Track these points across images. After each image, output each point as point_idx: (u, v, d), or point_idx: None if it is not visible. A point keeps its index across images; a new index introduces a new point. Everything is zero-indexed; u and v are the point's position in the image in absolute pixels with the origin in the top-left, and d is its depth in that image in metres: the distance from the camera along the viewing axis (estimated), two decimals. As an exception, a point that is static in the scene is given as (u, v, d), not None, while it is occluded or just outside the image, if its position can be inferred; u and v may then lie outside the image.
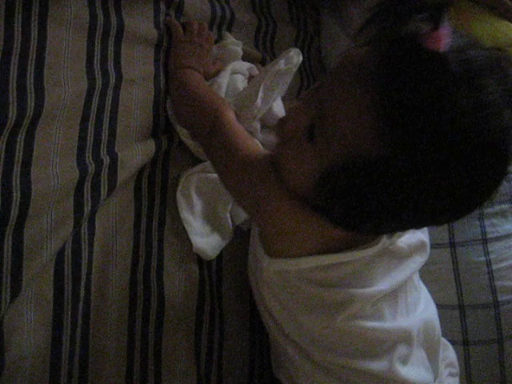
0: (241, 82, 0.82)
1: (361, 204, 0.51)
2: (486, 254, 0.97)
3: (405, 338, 0.64)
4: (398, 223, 0.54)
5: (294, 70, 0.77)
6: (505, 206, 1.00)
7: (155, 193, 0.73)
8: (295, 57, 0.77)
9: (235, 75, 0.83)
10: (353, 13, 1.08)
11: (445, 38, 0.46)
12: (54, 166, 0.61)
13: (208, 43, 0.83)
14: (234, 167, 0.65)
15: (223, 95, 0.79)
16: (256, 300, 0.72)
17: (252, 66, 0.87)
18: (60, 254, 0.62)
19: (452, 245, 0.92)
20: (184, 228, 0.74)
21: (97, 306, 0.64)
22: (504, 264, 0.96)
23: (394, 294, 0.64)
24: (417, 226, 0.58)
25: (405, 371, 0.63)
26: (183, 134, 0.76)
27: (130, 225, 0.70)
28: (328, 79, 0.53)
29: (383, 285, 0.62)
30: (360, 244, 0.60)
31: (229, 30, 0.92)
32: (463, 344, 0.94)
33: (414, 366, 0.65)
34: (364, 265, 0.60)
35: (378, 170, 0.48)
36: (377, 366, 0.62)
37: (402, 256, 0.66)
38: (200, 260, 0.75)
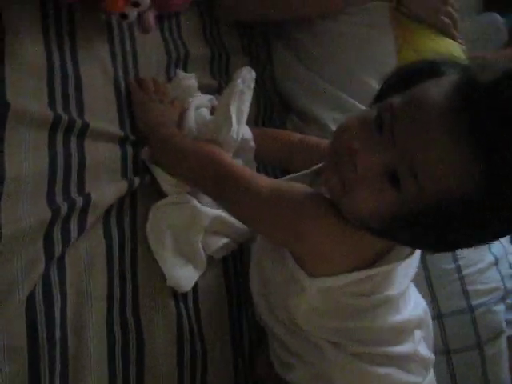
0: (208, 115, 0.83)
1: (443, 236, 0.56)
2: (455, 260, 0.99)
3: (418, 323, 0.75)
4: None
5: (252, 85, 0.78)
6: None
7: (125, 230, 0.72)
8: (248, 73, 0.78)
9: (200, 110, 0.84)
10: (301, 38, 1.11)
11: None
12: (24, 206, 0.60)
13: (166, 96, 0.84)
14: (261, 207, 0.66)
15: (195, 133, 0.79)
16: (264, 318, 0.75)
17: (212, 97, 0.88)
18: (30, 299, 0.59)
19: (422, 253, 0.93)
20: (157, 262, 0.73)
21: (75, 350, 0.62)
22: (473, 269, 0.99)
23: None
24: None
25: (422, 350, 0.74)
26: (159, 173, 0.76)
27: (103, 265, 0.68)
28: (406, 124, 0.54)
29: (403, 284, 0.70)
30: (386, 255, 0.65)
31: (184, 66, 0.93)
32: (445, 353, 0.96)
33: (423, 345, 0.76)
34: (391, 271, 0.66)
35: (469, 209, 0.52)
36: (404, 348, 0.71)
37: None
38: (175, 293, 0.74)
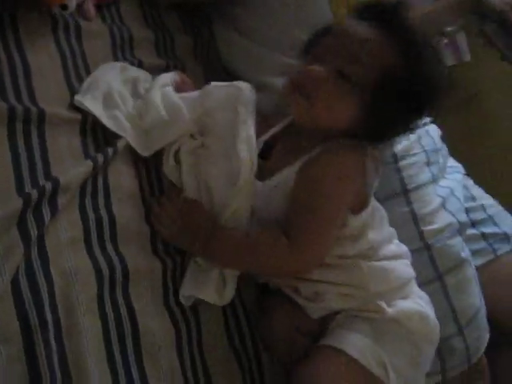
0: (173, 94, 0.85)
1: (393, 113, 0.76)
2: (409, 203, 1.05)
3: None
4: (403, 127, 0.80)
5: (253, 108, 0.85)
6: (415, 158, 1.09)
7: (99, 205, 0.74)
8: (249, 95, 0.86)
9: (165, 89, 0.86)
10: (240, 13, 1.14)
11: None
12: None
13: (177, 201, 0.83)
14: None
15: (162, 112, 0.81)
16: None
17: (173, 74, 0.91)
18: (15, 284, 0.61)
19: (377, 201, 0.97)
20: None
21: (68, 327, 0.63)
22: (424, 210, 1.05)
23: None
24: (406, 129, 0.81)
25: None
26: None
27: (81, 243, 0.70)
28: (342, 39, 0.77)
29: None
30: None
31: (131, 49, 0.95)
32: None
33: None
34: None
35: (404, 82, 0.74)
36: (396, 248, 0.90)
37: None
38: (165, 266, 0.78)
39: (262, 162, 0.82)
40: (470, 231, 1.17)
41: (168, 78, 0.89)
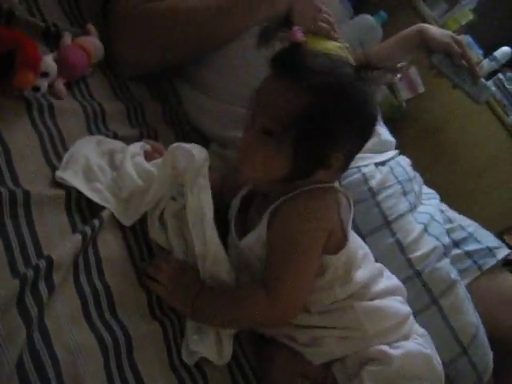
0: (143, 162, 0.88)
1: (319, 146, 0.79)
2: (393, 234, 1.07)
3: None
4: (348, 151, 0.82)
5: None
6: (391, 190, 1.12)
7: (93, 277, 0.74)
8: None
9: (136, 158, 0.89)
10: (201, 72, 1.18)
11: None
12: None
13: (172, 264, 0.84)
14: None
15: (137, 181, 0.84)
16: None
17: (143, 143, 0.94)
18: (20, 365, 0.60)
19: (362, 238, 0.99)
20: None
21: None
22: (409, 239, 1.08)
23: None
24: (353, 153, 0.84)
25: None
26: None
27: (81, 317, 0.69)
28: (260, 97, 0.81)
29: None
30: None
31: (104, 122, 0.97)
32: None
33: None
34: None
35: (322, 116, 0.76)
36: (386, 283, 0.92)
37: None
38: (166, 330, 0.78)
39: (239, 221, 0.89)
40: (454, 251, 1.20)
41: (138, 147, 0.92)
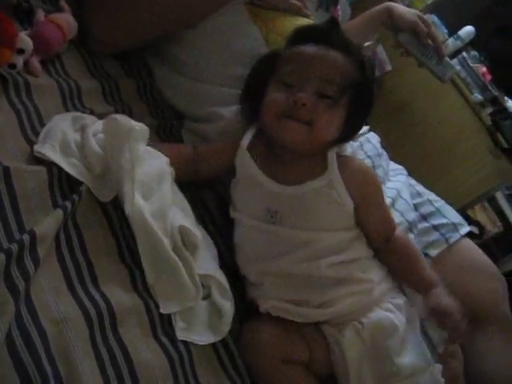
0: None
1: (362, 115, 0.95)
2: None
3: None
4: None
5: None
6: None
7: (75, 251, 0.75)
8: None
9: (98, 136, 0.88)
10: (176, 53, 1.19)
11: None
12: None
13: None
14: None
15: (104, 158, 0.84)
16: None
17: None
18: (9, 339, 0.61)
19: None
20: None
21: (68, 375, 0.64)
22: None
23: None
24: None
25: None
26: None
27: (65, 290, 0.71)
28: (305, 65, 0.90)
29: None
30: None
31: (80, 99, 0.97)
32: None
33: None
34: None
35: (364, 88, 0.91)
36: None
37: None
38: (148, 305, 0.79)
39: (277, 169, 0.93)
40: (423, 225, 1.25)
41: (99, 125, 0.90)
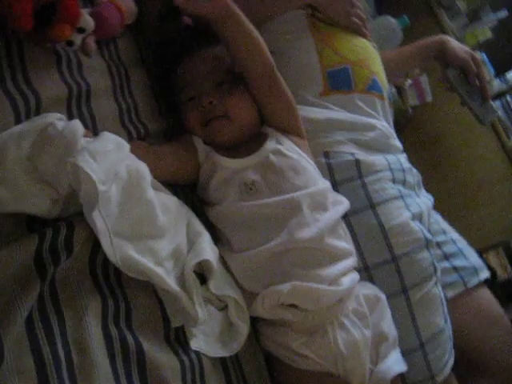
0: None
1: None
2: (377, 216, 1.05)
3: None
4: None
5: None
6: (381, 174, 1.10)
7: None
8: None
9: None
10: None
11: None
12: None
13: None
14: None
15: None
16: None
17: None
18: (29, 320, 0.61)
19: (345, 215, 0.99)
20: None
21: (79, 364, 0.63)
22: (393, 223, 1.05)
23: None
24: None
25: None
26: None
27: (89, 280, 0.70)
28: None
29: None
30: None
31: (128, 87, 0.97)
32: None
33: None
34: None
35: None
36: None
37: None
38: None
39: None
40: (444, 264, 1.23)
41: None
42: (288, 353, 0.87)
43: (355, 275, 0.92)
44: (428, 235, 1.09)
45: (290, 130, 1.00)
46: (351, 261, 0.92)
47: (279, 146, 0.95)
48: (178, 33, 1.07)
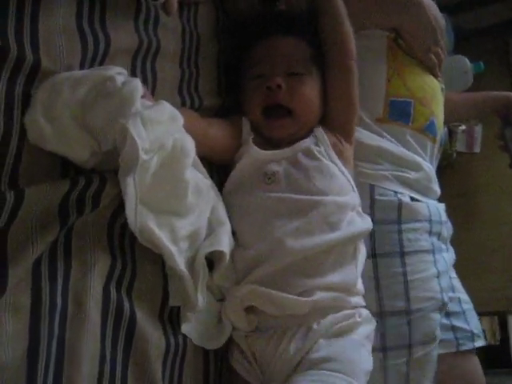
0: None
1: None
2: (403, 265, 1.05)
3: None
4: None
5: None
6: (418, 224, 1.09)
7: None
8: None
9: None
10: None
11: None
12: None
13: None
14: None
15: None
16: None
17: None
18: (36, 263, 0.61)
19: (374, 256, 1.01)
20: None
21: (73, 314, 0.63)
22: (417, 276, 1.05)
23: None
24: None
25: None
26: None
27: (105, 243, 0.70)
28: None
29: None
30: None
31: (196, 55, 0.95)
32: (382, 351, 1.02)
33: None
34: None
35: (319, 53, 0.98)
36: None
37: None
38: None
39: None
40: (443, 321, 1.21)
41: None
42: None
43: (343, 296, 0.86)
44: (446, 299, 1.09)
45: (341, 129, 0.98)
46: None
47: (313, 147, 0.92)
48: (270, 13, 1.06)
